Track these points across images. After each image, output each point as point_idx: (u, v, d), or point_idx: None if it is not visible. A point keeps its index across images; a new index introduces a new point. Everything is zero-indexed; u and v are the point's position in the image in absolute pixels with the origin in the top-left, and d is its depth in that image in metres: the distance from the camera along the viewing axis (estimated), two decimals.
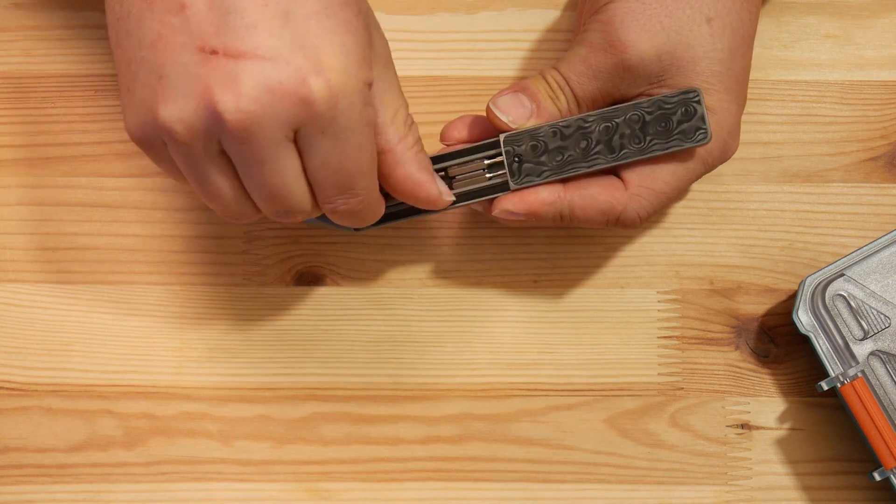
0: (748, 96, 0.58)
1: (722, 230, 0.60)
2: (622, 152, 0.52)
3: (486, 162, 0.52)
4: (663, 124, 0.51)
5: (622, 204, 0.52)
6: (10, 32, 0.60)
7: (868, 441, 0.55)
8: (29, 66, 0.60)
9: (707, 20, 0.51)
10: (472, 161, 0.52)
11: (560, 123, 0.52)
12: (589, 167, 0.52)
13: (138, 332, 0.59)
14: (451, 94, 0.60)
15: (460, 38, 0.60)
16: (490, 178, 0.52)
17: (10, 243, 0.60)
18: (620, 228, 0.58)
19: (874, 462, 0.56)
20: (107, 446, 0.59)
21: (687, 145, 0.51)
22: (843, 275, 0.56)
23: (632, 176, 0.52)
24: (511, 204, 0.52)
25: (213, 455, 0.59)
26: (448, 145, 0.53)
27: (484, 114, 0.54)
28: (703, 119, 0.51)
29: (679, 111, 0.51)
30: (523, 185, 0.52)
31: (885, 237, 0.56)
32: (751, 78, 0.56)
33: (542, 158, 0.52)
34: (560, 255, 0.60)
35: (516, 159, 0.52)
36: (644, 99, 0.51)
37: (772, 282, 0.59)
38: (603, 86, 0.52)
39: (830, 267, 0.56)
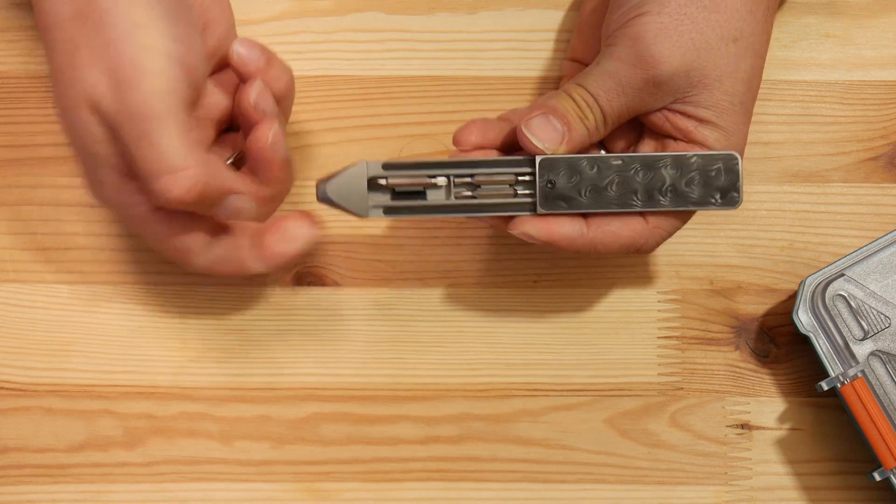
0: None
1: (722, 230, 0.60)
2: (657, 200, 0.52)
3: (518, 178, 0.52)
4: (702, 181, 0.52)
5: (643, 238, 0.52)
6: (10, 32, 0.60)
7: (868, 441, 0.55)
8: (29, 66, 0.60)
9: (734, 40, 0.51)
10: (501, 174, 0.52)
11: (599, 158, 0.51)
12: (620, 208, 0.52)
13: (138, 332, 0.59)
14: (451, 94, 0.60)
15: (460, 38, 0.60)
16: (517, 196, 0.52)
17: (10, 243, 0.60)
18: (635, 255, 0.58)
19: (874, 462, 0.56)
20: (107, 446, 0.59)
21: (718, 207, 0.52)
22: (843, 275, 0.56)
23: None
24: (534, 229, 0.52)
25: (213, 455, 0.59)
26: (462, 150, 0.53)
27: (492, 116, 0.54)
28: (739, 184, 0.52)
29: (718, 171, 0.51)
30: (550, 212, 0.51)
31: (885, 237, 0.56)
32: None
33: (576, 189, 0.51)
34: (560, 255, 0.60)
35: (549, 184, 0.51)
36: (689, 152, 0.51)
37: (772, 282, 0.59)
38: (630, 102, 0.51)
39: (830, 267, 0.56)
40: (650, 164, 0.51)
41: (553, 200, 0.51)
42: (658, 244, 0.53)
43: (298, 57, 0.60)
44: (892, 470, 0.54)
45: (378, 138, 0.60)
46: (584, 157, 0.51)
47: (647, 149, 0.53)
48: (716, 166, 0.51)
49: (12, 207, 0.60)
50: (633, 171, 0.51)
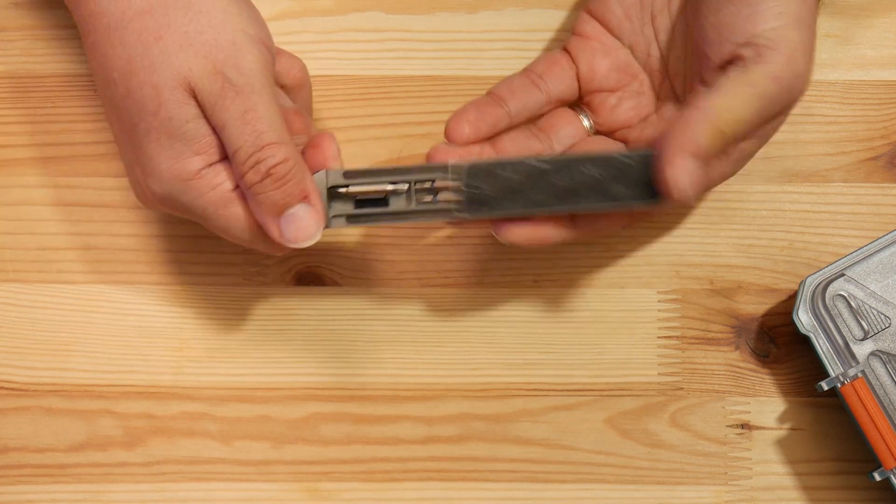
0: None
1: (722, 230, 0.60)
2: (579, 200, 0.51)
3: (437, 185, 0.51)
4: (627, 179, 0.51)
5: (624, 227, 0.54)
6: (10, 32, 0.60)
7: (868, 441, 0.55)
8: (29, 66, 0.60)
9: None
10: (422, 180, 0.51)
11: (524, 161, 0.51)
12: (544, 210, 0.51)
13: (138, 332, 0.59)
14: (451, 94, 0.60)
15: (460, 38, 0.60)
16: (438, 201, 0.52)
17: (10, 243, 0.60)
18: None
19: (874, 462, 0.56)
20: (107, 446, 0.59)
21: (645, 205, 0.51)
22: (843, 275, 0.56)
23: None
24: (518, 238, 0.52)
25: (213, 455, 0.59)
26: (456, 144, 0.52)
27: (483, 97, 0.54)
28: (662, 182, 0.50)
29: (644, 169, 0.50)
30: (475, 217, 0.51)
31: (885, 237, 0.56)
32: None
33: (501, 192, 0.51)
34: (560, 255, 0.60)
35: (474, 189, 0.51)
36: (614, 152, 0.51)
37: (772, 282, 0.59)
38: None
39: (830, 267, 0.56)
40: (574, 165, 0.51)
41: (478, 205, 0.51)
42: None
43: (299, 56, 0.59)
44: (892, 470, 0.54)
45: (378, 138, 0.60)
46: (509, 161, 0.51)
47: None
48: (640, 164, 0.50)
49: (12, 207, 0.60)
50: (558, 173, 0.51)
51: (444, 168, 0.51)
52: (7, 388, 0.59)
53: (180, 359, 0.59)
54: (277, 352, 0.59)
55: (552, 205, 0.51)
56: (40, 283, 0.59)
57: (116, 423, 0.59)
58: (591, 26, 0.56)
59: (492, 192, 0.51)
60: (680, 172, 0.49)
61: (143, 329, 0.59)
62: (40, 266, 0.59)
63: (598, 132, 0.56)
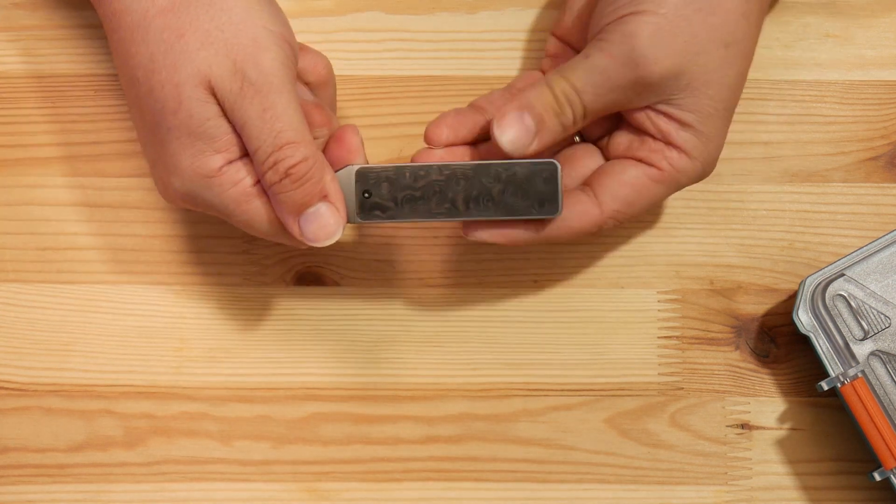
0: (748, 95, 0.58)
1: (722, 230, 0.60)
2: (474, 209, 0.51)
3: None
4: (520, 190, 0.51)
5: (597, 226, 0.53)
6: (10, 32, 0.60)
7: (868, 441, 0.55)
8: (29, 66, 0.60)
9: (726, 45, 0.51)
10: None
11: (418, 168, 0.51)
12: (438, 218, 0.51)
13: (138, 332, 0.59)
14: (451, 93, 0.60)
15: (460, 38, 0.60)
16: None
17: (10, 243, 0.60)
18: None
19: (874, 462, 0.56)
20: (107, 446, 0.59)
21: (535, 215, 0.51)
22: (843, 275, 0.56)
23: (605, 198, 0.52)
24: (488, 235, 0.52)
25: (213, 455, 0.59)
26: (433, 147, 0.53)
27: (464, 107, 0.54)
28: (557, 194, 0.51)
29: (538, 181, 0.51)
30: (367, 221, 0.51)
31: (885, 237, 0.56)
32: (751, 78, 0.56)
33: (393, 198, 0.51)
34: (560, 255, 0.60)
35: (366, 194, 0.51)
36: (506, 161, 0.51)
37: (772, 282, 0.59)
38: (616, 98, 0.51)
39: (830, 267, 0.56)
40: (469, 175, 0.51)
41: (370, 210, 0.51)
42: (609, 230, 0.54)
43: None
44: (892, 470, 0.54)
45: (378, 138, 0.60)
46: (403, 167, 0.51)
47: (622, 140, 0.53)
48: (535, 176, 0.51)
49: (12, 207, 0.60)
50: (452, 181, 0.51)
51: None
52: (7, 388, 0.59)
53: (180, 359, 0.59)
54: (277, 352, 0.59)
55: (445, 213, 0.51)
56: (40, 283, 0.59)
57: (116, 423, 0.59)
58: (557, 46, 0.57)
59: (383, 199, 0.51)
60: (505, 124, 0.50)
61: (143, 329, 0.59)
62: (40, 266, 0.59)
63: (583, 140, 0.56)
